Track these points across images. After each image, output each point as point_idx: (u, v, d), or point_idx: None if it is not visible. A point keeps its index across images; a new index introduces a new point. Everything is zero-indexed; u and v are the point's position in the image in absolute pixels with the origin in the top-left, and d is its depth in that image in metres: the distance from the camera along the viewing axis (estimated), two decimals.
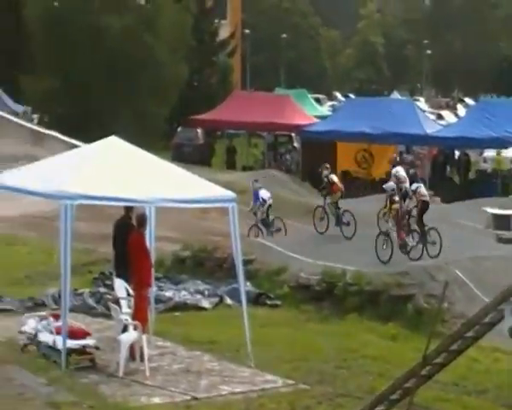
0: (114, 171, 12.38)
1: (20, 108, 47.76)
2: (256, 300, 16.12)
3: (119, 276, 13.02)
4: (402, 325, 14.97)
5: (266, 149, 43.63)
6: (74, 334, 12.04)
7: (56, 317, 12.39)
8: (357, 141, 36.02)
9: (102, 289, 15.94)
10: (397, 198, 18.99)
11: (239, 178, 33.63)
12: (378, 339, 14.26)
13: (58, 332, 11.95)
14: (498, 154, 35.51)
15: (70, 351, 11.83)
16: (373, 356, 13.18)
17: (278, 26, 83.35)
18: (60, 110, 43.68)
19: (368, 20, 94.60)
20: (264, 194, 22.78)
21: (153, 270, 13.18)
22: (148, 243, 13.01)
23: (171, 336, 13.76)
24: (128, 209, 13.20)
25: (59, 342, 11.84)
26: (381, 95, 76.23)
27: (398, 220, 18.79)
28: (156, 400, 11.11)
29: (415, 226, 18.83)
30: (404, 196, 19.18)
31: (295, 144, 41.78)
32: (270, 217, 22.49)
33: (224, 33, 57.05)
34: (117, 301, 12.67)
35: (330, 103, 69.38)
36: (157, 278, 15.67)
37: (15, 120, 38.31)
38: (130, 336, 12.09)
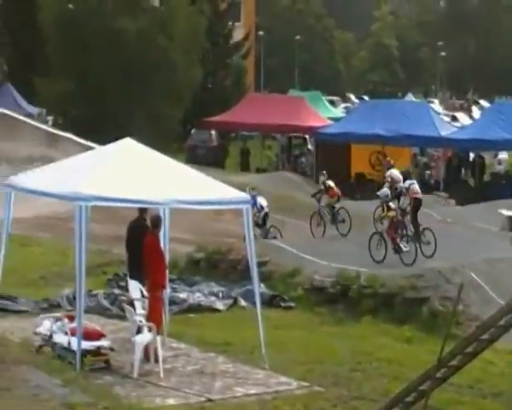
0: (129, 172, 12.40)
1: (34, 110, 47.97)
2: (270, 302, 16.11)
3: (132, 278, 13.04)
4: (417, 327, 14.93)
5: (280, 151, 43.63)
6: (89, 335, 12.06)
7: (71, 318, 12.41)
8: (372, 143, 35.96)
9: (117, 291, 15.97)
10: (392, 205, 18.86)
11: (253, 180, 33.62)
12: (393, 342, 14.22)
13: (73, 333, 11.98)
14: None
15: (85, 352, 11.85)
16: (388, 359, 13.15)
17: (292, 28, 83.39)
18: (75, 112, 43.81)
19: (382, 23, 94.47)
20: (261, 201, 22.59)
21: (167, 271, 13.20)
22: (162, 245, 13.03)
23: (185, 337, 13.77)
24: (142, 211, 13.22)
25: (74, 343, 11.87)
26: (395, 97, 76.18)
27: (393, 226, 18.65)
28: (170, 401, 11.12)
29: (409, 231, 18.73)
30: (399, 194, 19.13)
31: (309, 147, 41.76)
32: (267, 225, 22.44)
33: (237, 36, 57.08)
34: (131, 303, 12.70)
35: (344, 105, 69.28)
36: (171, 280, 15.69)
37: (31, 121, 38.42)
38: (145, 337, 12.11)
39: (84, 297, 12.64)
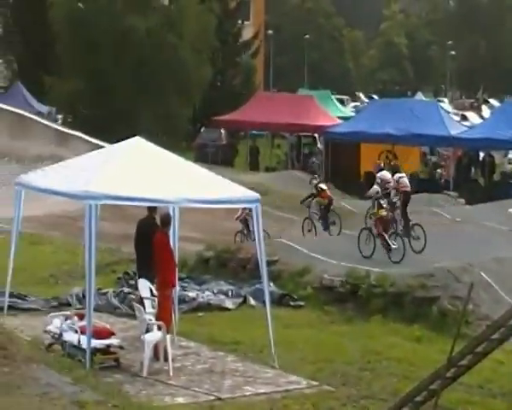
0: (138, 171, 12.42)
1: (44, 109, 48.09)
2: (279, 301, 16.10)
3: (141, 276, 13.05)
4: (426, 327, 14.89)
5: (289, 150, 43.62)
6: (99, 333, 12.08)
7: (81, 316, 12.44)
8: (381, 142, 35.88)
9: (126, 289, 15.98)
10: (384, 204, 18.95)
11: (262, 178, 33.64)
12: (402, 341, 14.19)
13: (83, 332, 12.00)
14: None
15: (94, 350, 11.88)
16: (397, 358, 13.12)
17: (301, 26, 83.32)
18: (84, 111, 43.93)
19: (391, 21, 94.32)
20: None
21: (176, 270, 13.20)
22: (171, 243, 13.04)
23: (194, 336, 13.78)
24: (151, 209, 13.23)
25: (84, 341, 11.90)
26: (405, 96, 75.96)
27: (381, 223, 18.75)
28: (180, 400, 11.13)
29: (398, 229, 18.83)
30: (389, 194, 19.30)
31: (319, 145, 41.73)
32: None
33: (247, 34, 57.09)
34: (141, 301, 12.71)
35: (354, 104, 69.23)
36: (180, 279, 15.71)
37: (41, 120, 38.53)
38: (155, 336, 12.12)
39: (94, 296, 12.67)
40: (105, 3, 43.68)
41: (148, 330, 12.20)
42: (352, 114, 51.76)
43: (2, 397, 9.46)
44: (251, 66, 55.53)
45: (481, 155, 37.42)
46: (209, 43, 46.41)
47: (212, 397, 11.22)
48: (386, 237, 18.52)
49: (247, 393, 11.46)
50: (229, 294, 16.48)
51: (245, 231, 22.24)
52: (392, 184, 19.35)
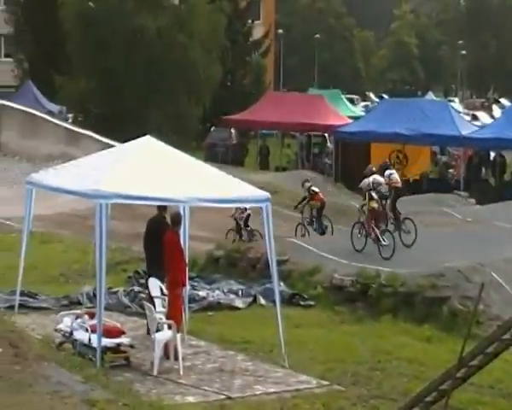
0: (149, 170, 12.43)
1: (55, 108, 48.18)
2: (290, 300, 16.09)
3: (150, 276, 13.06)
4: (437, 327, 14.85)
5: (299, 150, 43.59)
6: (109, 332, 12.10)
7: (91, 315, 12.46)
8: (391, 142, 35.82)
9: (137, 288, 16.01)
10: (375, 195, 19.19)
11: (272, 178, 33.64)
12: (413, 341, 14.17)
13: (93, 330, 12.02)
14: None
15: (105, 349, 11.90)
16: (407, 358, 13.10)
17: (312, 26, 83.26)
18: (95, 110, 44.00)
19: (402, 21, 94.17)
20: None
21: (187, 269, 13.21)
22: (182, 243, 13.05)
23: (204, 335, 13.79)
24: (161, 209, 13.25)
25: (94, 340, 11.92)
26: (415, 96, 75.87)
27: (372, 216, 18.95)
28: (190, 399, 11.14)
29: (389, 225, 19.00)
30: (381, 196, 19.51)
31: (329, 145, 41.69)
32: (248, 228, 22.49)
33: (257, 34, 57.09)
34: (151, 300, 12.72)
35: (364, 104, 69.17)
36: (190, 278, 15.72)
37: (51, 119, 38.61)
38: (165, 334, 12.13)
39: (105, 294, 12.68)
40: (115, 3, 43.74)
41: (158, 329, 12.21)
42: (362, 113, 51.68)
43: (14, 395, 9.48)
44: (261, 65, 55.53)
45: (492, 154, 37.30)
46: (219, 43, 46.43)
47: (223, 396, 11.23)
48: (378, 233, 18.67)
49: (258, 392, 11.46)
50: (240, 293, 16.48)
51: (237, 229, 22.43)
52: (383, 186, 19.58)
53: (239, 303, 16.07)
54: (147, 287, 13.18)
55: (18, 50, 55.29)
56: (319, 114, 40.74)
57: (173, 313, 12.27)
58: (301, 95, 49.76)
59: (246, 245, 19.10)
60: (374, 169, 20.56)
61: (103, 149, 15.94)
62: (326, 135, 42.09)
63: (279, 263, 14.83)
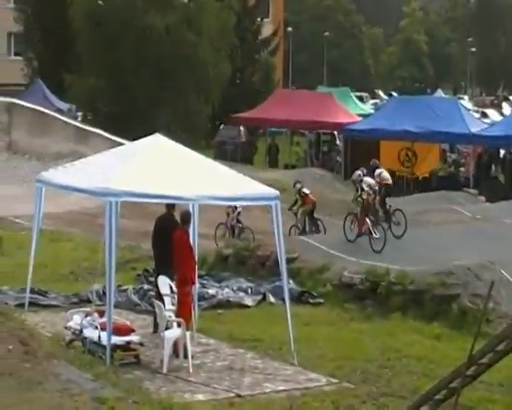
0: (159, 168, 12.45)
1: (64, 106, 48.28)
2: (299, 298, 16.09)
3: (160, 274, 13.07)
4: (446, 324, 14.83)
5: (308, 148, 43.56)
6: (119, 330, 12.13)
7: (101, 313, 12.49)
8: (401, 139, 35.78)
9: (146, 286, 16.03)
10: (365, 186, 19.53)
11: (281, 176, 33.62)
12: (422, 339, 14.16)
13: (103, 328, 12.05)
14: None
15: (115, 347, 11.92)
16: (417, 356, 13.09)
17: (320, 23, 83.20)
18: (104, 108, 44.06)
19: (411, 18, 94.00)
20: None
21: (196, 267, 13.22)
22: (191, 241, 13.06)
23: (214, 333, 13.81)
24: (169, 207, 13.25)
25: (104, 338, 11.94)
26: (425, 93, 75.75)
27: (364, 209, 19.28)
28: (200, 396, 11.15)
29: (380, 221, 19.28)
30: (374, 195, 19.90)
31: (338, 142, 41.65)
32: (240, 225, 22.47)
33: (266, 31, 57.05)
34: (160, 298, 12.74)
35: (373, 102, 69.05)
36: (200, 276, 15.73)
37: (61, 117, 38.69)
38: (174, 332, 12.15)
39: (114, 292, 12.70)
40: (125, 1, 43.76)
41: (167, 327, 12.23)
42: (372, 111, 51.59)
43: (24, 393, 9.52)
44: (270, 63, 55.49)
45: (502, 152, 37.21)
46: (228, 41, 46.41)
47: (232, 394, 11.24)
48: (370, 226, 18.90)
49: (267, 390, 11.47)
50: (249, 291, 16.49)
51: (228, 225, 22.51)
52: (376, 188, 19.93)
53: (248, 301, 16.08)
54: (156, 285, 13.20)
55: (28, 49, 55.40)
56: (328, 111, 40.70)
57: (183, 311, 12.28)
58: (310, 92, 49.71)
59: (255, 243, 19.12)
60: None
61: (112, 148, 15.95)
62: (335, 133, 42.05)
63: (288, 261, 14.84)
